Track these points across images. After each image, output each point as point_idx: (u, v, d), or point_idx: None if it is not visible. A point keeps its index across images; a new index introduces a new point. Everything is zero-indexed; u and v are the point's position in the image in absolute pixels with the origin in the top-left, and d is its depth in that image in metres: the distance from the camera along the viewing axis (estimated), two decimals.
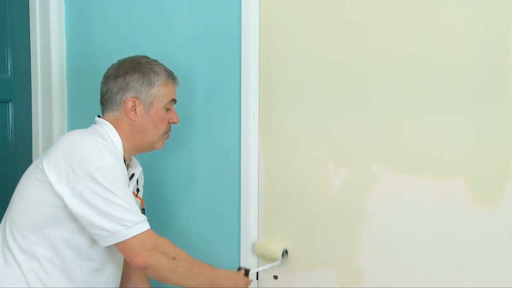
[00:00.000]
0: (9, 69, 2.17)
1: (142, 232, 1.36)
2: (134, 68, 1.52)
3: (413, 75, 1.45)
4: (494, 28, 1.34)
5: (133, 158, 1.62)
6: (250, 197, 1.71)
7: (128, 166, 1.58)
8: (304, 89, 1.63)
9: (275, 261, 1.66)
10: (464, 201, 1.38)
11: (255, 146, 1.71)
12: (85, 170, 1.34)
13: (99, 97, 2.09)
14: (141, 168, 1.62)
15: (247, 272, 1.60)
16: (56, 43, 2.16)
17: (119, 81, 1.52)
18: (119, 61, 1.57)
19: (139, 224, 1.36)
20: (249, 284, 1.59)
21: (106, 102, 1.54)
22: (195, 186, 1.82)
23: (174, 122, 1.58)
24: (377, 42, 1.50)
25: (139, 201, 1.61)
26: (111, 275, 1.52)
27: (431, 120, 1.42)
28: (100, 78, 2.09)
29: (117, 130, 1.50)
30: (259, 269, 1.68)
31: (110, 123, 1.51)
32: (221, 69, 1.76)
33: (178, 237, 1.84)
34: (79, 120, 2.18)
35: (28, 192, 1.42)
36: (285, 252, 1.66)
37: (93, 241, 1.43)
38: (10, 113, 2.17)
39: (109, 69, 1.56)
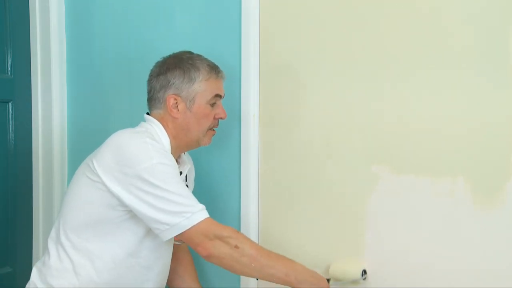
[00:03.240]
0: (9, 69, 2.17)
1: (201, 221, 1.36)
2: (175, 64, 1.51)
3: (413, 75, 1.45)
4: (494, 28, 1.34)
5: (182, 155, 1.61)
6: (250, 197, 1.71)
7: (177, 163, 1.57)
8: (304, 89, 1.63)
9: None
10: (464, 201, 1.38)
11: (255, 146, 1.71)
12: (134, 171, 1.36)
13: (98, 97, 2.10)
14: (189, 166, 1.62)
15: (327, 280, 1.51)
16: (56, 43, 2.16)
17: (160, 79, 1.52)
18: (163, 58, 1.56)
19: (197, 214, 1.36)
20: None
21: (150, 100, 1.55)
22: (195, 186, 1.81)
23: (221, 118, 1.55)
24: (379, 43, 1.50)
25: None
26: (160, 273, 1.54)
27: (431, 120, 1.42)
28: (100, 78, 2.10)
29: (166, 127, 1.51)
30: (335, 286, 1.55)
31: (158, 121, 1.52)
32: (222, 68, 1.76)
33: None
34: (79, 120, 2.18)
35: (80, 190, 1.45)
36: (364, 272, 1.53)
37: (142, 239, 1.45)
38: (10, 113, 2.17)
39: (153, 67, 1.56)
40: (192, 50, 1.61)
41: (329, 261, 1.60)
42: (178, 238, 1.40)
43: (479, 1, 1.36)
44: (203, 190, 1.83)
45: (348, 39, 1.54)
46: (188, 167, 1.61)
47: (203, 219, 1.36)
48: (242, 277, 1.74)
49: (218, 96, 1.54)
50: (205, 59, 1.54)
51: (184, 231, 1.35)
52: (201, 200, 1.79)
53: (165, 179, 1.36)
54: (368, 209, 1.52)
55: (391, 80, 1.48)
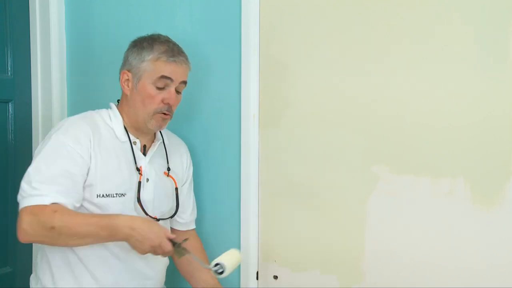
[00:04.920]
0: (9, 69, 2.17)
1: (28, 206, 1.36)
2: (137, 42, 1.55)
3: (414, 76, 1.45)
4: (495, 25, 1.34)
5: (159, 133, 1.63)
6: (250, 197, 1.71)
7: (154, 139, 1.61)
8: (304, 89, 1.63)
9: None
10: (464, 201, 1.38)
11: (255, 146, 1.71)
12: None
13: (98, 97, 2.10)
14: (160, 141, 1.62)
15: (174, 244, 1.42)
16: (56, 43, 2.16)
17: (124, 55, 1.57)
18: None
19: (32, 198, 1.37)
20: (168, 248, 1.39)
21: None
22: (195, 186, 1.81)
23: (168, 103, 1.52)
24: (380, 42, 1.50)
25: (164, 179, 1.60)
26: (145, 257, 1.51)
27: (432, 120, 1.42)
28: (99, 78, 2.10)
29: (120, 107, 1.57)
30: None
31: (120, 99, 1.59)
32: (221, 69, 1.76)
33: None
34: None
35: None
36: (217, 265, 1.43)
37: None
38: (10, 113, 2.17)
39: None
40: (192, 50, 1.61)
41: (329, 260, 1.60)
42: None
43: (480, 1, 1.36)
44: (203, 190, 1.83)
45: (349, 39, 1.54)
46: (158, 143, 1.60)
47: (31, 204, 1.36)
48: (242, 277, 1.75)
49: (164, 77, 1.50)
50: (169, 43, 1.54)
51: (20, 209, 1.38)
52: (200, 200, 1.81)
53: (47, 151, 1.41)
54: (368, 209, 1.52)
55: (392, 81, 1.48)
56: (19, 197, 1.39)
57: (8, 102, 2.16)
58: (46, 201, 1.36)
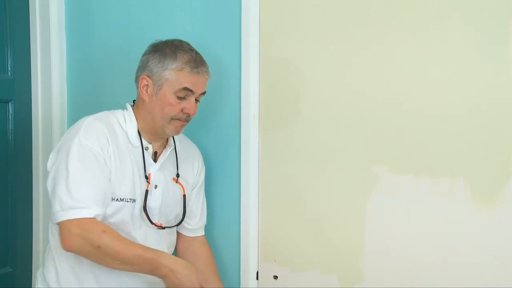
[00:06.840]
0: (9, 69, 2.17)
1: (75, 219, 1.36)
2: (159, 48, 1.52)
3: (413, 77, 1.45)
4: (494, 28, 1.34)
5: (171, 138, 1.61)
6: (250, 197, 1.71)
7: (166, 145, 1.60)
8: (304, 89, 1.63)
9: None
10: (464, 201, 1.38)
11: (255, 146, 1.71)
12: (59, 145, 1.46)
13: (98, 97, 2.10)
14: (172, 147, 1.60)
15: None
16: (56, 43, 2.16)
17: (143, 59, 1.54)
18: (159, 40, 1.58)
19: (75, 210, 1.36)
20: None
21: (135, 79, 1.57)
22: None
23: (188, 114, 1.52)
24: (380, 39, 1.50)
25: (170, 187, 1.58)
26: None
27: (432, 120, 1.42)
28: (99, 78, 2.10)
29: (136, 110, 1.55)
30: None
31: (136, 101, 1.57)
32: (222, 69, 1.76)
33: None
34: (79, 119, 2.17)
35: None
36: None
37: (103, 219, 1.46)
38: (10, 113, 2.17)
39: None
40: None
41: (329, 260, 1.60)
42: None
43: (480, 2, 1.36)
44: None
45: (349, 39, 1.54)
46: (170, 149, 1.59)
47: (75, 217, 1.36)
48: (242, 277, 1.75)
49: (187, 89, 1.50)
50: (192, 52, 1.52)
51: (60, 222, 1.37)
52: None
53: (72, 159, 1.39)
54: (368, 209, 1.52)
55: (391, 82, 1.48)
56: (57, 208, 1.37)
57: (8, 102, 2.16)
58: (89, 214, 1.37)
